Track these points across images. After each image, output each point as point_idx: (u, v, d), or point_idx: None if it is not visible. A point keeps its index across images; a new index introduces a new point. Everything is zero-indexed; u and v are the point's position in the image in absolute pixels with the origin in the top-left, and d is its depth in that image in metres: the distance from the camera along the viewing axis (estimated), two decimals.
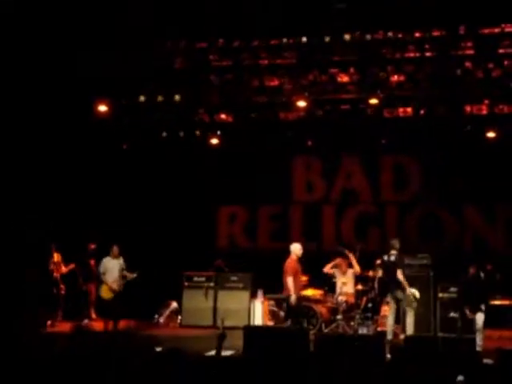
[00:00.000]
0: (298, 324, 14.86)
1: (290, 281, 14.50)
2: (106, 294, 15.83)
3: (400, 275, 14.45)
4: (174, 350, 8.92)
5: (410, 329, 14.46)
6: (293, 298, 14.52)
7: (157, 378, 8.26)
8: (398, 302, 14.58)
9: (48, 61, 15.70)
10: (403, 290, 14.46)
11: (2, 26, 14.34)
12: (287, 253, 14.92)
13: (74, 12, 14.76)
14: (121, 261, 16.00)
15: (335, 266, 16.12)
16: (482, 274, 14.39)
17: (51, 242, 17.36)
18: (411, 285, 14.71)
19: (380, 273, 15.02)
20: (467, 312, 13.93)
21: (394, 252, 14.69)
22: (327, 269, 16.07)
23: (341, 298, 15.84)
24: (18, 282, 16.01)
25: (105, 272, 15.89)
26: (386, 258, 14.80)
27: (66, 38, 15.24)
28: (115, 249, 15.98)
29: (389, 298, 14.71)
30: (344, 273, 16.30)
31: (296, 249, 14.86)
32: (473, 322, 13.97)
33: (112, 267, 15.91)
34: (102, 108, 17.46)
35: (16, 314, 14.85)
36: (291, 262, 14.72)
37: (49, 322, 16.58)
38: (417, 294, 14.72)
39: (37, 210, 17.19)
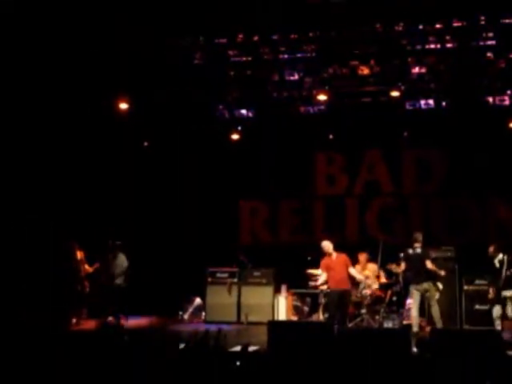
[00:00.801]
0: (331, 318, 14.91)
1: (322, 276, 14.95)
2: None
3: (430, 265, 14.54)
4: (198, 345, 8.91)
5: (438, 321, 14.41)
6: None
7: (181, 374, 8.25)
8: (422, 293, 14.54)
9: (68, 58, 15.72)
10: (433, 280, 14.51)
11: (24, 21, 14.36)
12: (309, 247, 15.03)
13: (95, 9, 14.75)
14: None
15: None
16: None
17: (74, 240, 17.42)
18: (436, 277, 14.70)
19: (403, 266, 14.91)
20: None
21: (418, 245, 14.66)
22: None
23: (365, 292, 15.78)
24: (42, 280, 16.05)
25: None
26: (411, 251, 14.77)
27: (86, 34, 15.24)
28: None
29: (413, 290, 14.64)
30: (364, 267, 16.30)
31: (324, 246, 14.94)
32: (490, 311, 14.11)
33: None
34: (123, 105, 17.50)
35: (41, 312, 14.93)
36: (322, 260, 14.92)
37: (74, 320, 16.64)
38: (440, 285, 14.70)
39: (58, 208, 17.23)
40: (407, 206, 18.37)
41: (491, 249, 14.50)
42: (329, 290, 15.01)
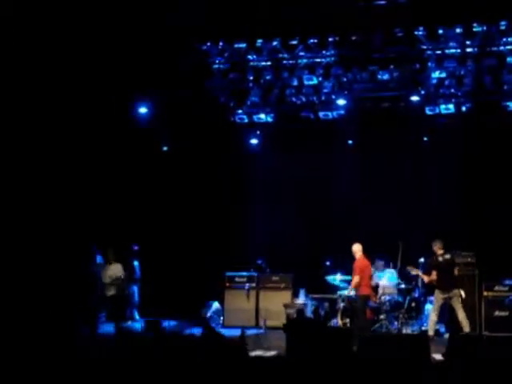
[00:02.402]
0: (353, 323, 15.01)
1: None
2: None
3: (457, 271, 14.80)
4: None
5: (466, 326, 14.35)
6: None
7: (201, 378, 8.25)
8: (447, 300, 14.49)
9: (86, 62, 15.80)
10: (458, 287, 14.59)
11: (44, 26, 14.45)
12: (327, 251, 15.14)
13: (114, 17, 14.83)
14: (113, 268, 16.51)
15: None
16: None
17: (94, 245, 17.49)
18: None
19: (434, 275, 14.80)
20: None
21: (442, 251, 14.74)
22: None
23: (384, 297, 15.73)
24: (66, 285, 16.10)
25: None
26: (440, 258, 14.78)
27: (104, 39, 15.31)
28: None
29: (439, 296, 14.60)
30: (383, 271, 16.30)
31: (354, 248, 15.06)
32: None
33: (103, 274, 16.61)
34: (143, 110, 17.58)
35: (71, 316, 15.01)
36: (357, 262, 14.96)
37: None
38: (463, 293, 14.67)
39: (81, 213, 17.29)
40: (429, 210, 18.21)
41: None
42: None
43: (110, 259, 16.46)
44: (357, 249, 15.03)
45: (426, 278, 15.01)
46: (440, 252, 14.75)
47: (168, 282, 17.18)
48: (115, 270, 16.46)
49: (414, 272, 15.28)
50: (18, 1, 13.63)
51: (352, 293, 15.10)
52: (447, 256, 14.76)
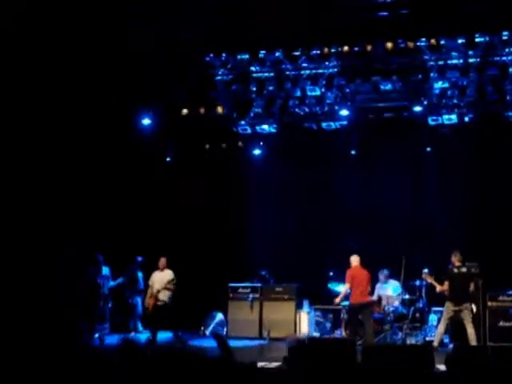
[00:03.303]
0: (352, 333, 15.22)
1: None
2: (147, 305, 16.09)
3: (472, 287, 14.73)
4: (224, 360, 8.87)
5: (473, 340, 14.29)
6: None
7: None
8: (456, 312, 14.47)
9: (92, 74, 15.87)
10: (470, 301, 14.61)
11: (48, 36, 14.51)
12: (331, 262, 15.24)
13: (117, 29, 14.89)
14: (165, 274, 16.07)
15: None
16: None
17: (100, 256, 17.49)
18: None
19: (446, 285, 14.79)
20: None
21: (459, 263, 14.74)
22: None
23: (387, 308, 15.74)
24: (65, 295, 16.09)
25: (151, 285, 16.09)
26: (455, 270, 14.74)
27: (108, 51, 15.38)
28: (162, 260, 16.12)
29: (449, 308, 14.58)
30: (386, 283, 16.32)
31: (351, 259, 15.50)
32: None
33: (155, 281, 16.06)
34: (146, 121, 17.65)
35: (62, 327, 14.97)
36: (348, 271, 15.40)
37: (97, 335, 16.69)
38: (474, 308, 14.67)
39: (85, 225, 17.33)
40: (432, 221, 18.19)
41: None
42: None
43: (162, 267, 16.30)
44: (352, 259, 15.45)
45: (438, 287, 14.97)
46: (457, 264, 14.71)
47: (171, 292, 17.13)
48: (166, 275, 16.26)
49: (429, 280, 15.22)
50: (20, 7, 13.65)
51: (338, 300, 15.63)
52: (463, 269, 14.73)
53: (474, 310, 14.79)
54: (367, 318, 15.27)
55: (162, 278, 16.11)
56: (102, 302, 17.30)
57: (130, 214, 18.70)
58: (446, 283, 14.71)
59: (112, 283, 17.60)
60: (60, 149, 16.60)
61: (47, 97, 15.71)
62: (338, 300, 15.71)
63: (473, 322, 14.51)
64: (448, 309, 14.60)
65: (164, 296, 16.02)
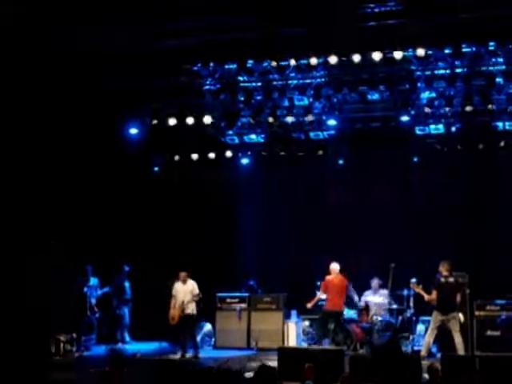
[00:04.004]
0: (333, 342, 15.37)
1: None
2: (170, 319, 15.91)
3: (459, 297, 14.68)
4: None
5: (461, 349, 14.30)
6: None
7: None
8: (444, 323, 14.49)
9: (79, 84, 15.85)
10: (458, 310, 14.61)
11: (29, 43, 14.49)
12: (319, 272, 15.34)
13: (103, 38, 14.86)
14: (189, 286, 16.06)
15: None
16: None
17: (88, 266, 17.44)
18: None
19: (434, 294, 14.80)
20: None
21: (447, 273, 14.73)
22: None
23: (375, 318, 15.74)
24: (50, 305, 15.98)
25: (175, 295, 16.04)
26: (443, 279, 14.74)
27: (96, 61, 15.36)
28: (182, 274, 16.07)
29: (437, 318, 14.58)
30: (376, 292, 16.32)
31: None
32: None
33: (179, 292, 16.03)
34: (133, 130, 17.63)
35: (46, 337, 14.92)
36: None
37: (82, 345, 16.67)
38: (462, 317, 14.68)
39: (72, 234, 17.28)
40: (420, 231, 18.19)
41: None
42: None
43: (183, 278, 16.20)
44: (331, 266, 15.98)
45: (426, 296, 14.97)
46: (445, 273, 14.73)
47: (159, 303, 17.08)
48: (190, 286, 16.16)
49: (416, 290, 15.23)
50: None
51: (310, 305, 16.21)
52: (451, 279, 14.74)
53: (462, 319, 14.80)
54: (339, 326, 15.76)
55: (185, 289, 16.00)
56: (88, 312, 17.27)
57: (117, 224, 18.64)
58: (434, 292, 14.72)
59: (98, 292, 17.57)
60: (46, 159, 16.54)
61: (31, 106, 15.66)
62: (309, 305, 16.17)
63: (460, 332, 14.53)
64: (436, 318, 14.61)
65: (191, 308, 15.97)
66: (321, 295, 16.03)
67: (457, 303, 14.67)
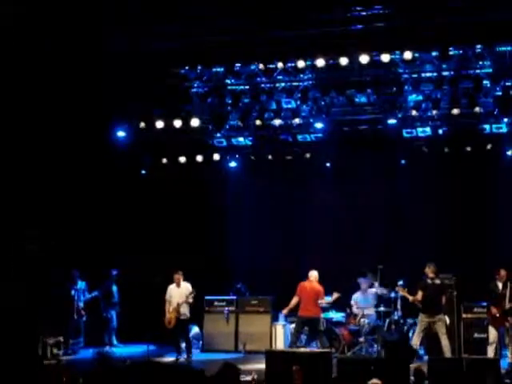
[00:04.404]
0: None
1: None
2: (166, 323, 16.02)
3: (444, 299, 14.82)
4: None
5: (447, 352, 14.39)
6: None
7: None
8: (430, 325, 14.53)
9: (67, 85, 15.82)
10: (444, 312, 14.70)
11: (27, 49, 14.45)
12: (306, 274, 15.81)
13: (91, 40, 14.85)
14: (183, 289, 16.16)
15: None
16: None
17: (75, 269, 17.40)
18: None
19: (419, 296, 14.83)
20: None
21: (433, 275, 14.81)
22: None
23: (363, 320, 15.75)
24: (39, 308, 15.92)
25: (169, 299, 16.15)
26: (429, 281, 14.82)
27: (83, 63, 15.33)
28: (176, 276, 16.17)
29: (423, 320, 14.65)
30: (365, 292, 16.35)
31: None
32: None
33: (173, 296, 16.12)
34: (121, 133, 17.60)
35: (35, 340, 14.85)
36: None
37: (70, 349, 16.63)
38: (447, 319, 14.72)
39: (60, 236, 17.24)
40: (407, 233, 18.22)
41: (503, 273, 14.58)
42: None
43: (177, 281, 16.21)
44: (310, 274, 15.92)
45: (409, 298, 14.99)
46: (431, 275, 14.78)
47: (146, 306, 17.06)
48: (185, 289, 16.19)
49: (401, 292, 15.26)
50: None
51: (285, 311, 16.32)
52: (437, 281, 14.82)
53: (448, 321, 14.83)
54: (315, 332, 15.79)
55: (180, 292, 16.16)
56: (76, 316, 17.23)
57: (105, 227, 18.59)
58: (420, 294, 14.76)
59: (87, 296, 17.54)
60: (34, 161, 16.50)
61: (19, 108, 15.62)
62: (285, 311, 16.24)
63: (447, 334, 14.57)
64: (422, 321, 14.67)
65: (185, 309, 16.10)
66: (294, 300, 15.88)
67: (442, 305, 14.72)
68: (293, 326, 16.55)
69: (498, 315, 14.31)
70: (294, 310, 16.11)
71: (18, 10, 13.24)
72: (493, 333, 14.45)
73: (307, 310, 15.63)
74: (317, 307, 15.66)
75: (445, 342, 14.38)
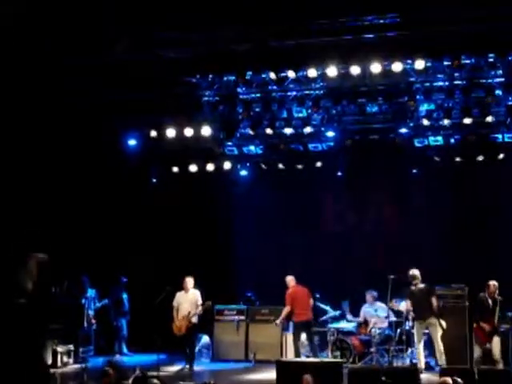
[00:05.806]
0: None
1: None
2: (175, 330, 15.90)
3: (435, 301, 14.65)
4: None
5: (440, 357, 14.38)
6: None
7: None
8: (427, 329, 14.59)
9: (77, 95, 15.85)
10: (436, 316, 14.53)
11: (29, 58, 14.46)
12: (317, 283, 16.06)
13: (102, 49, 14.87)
14: (191, 296, 16.04)
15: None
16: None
17: (85, 276, 17.40)
18: (445, 315, 14.73)
19: (409, 304, 14.87)
20: None
21: (417, 281, 14.86)
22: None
23: (374, 330, 15.68)
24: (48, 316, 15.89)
25: (177, 306, 16.02)
26: (413, 287, 14.87)
27: (94, 72, 15.35)
28: (187, 280, 16.09)
29: (417, 326, 14.70)
30: (372, 305, 16.29)
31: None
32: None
33: (182, 303, 16.01)
34: (132, 142, 17.63)
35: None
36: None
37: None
38: (444, 323, 14.63)
39: (70, 245, 17.23)
40: (419, 242, 18.13)
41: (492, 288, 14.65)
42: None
43: (186, 287, 16.14)
44: (288, 280, 16.19)
45: (403, 310, 15.12)
46: (415, 281, 14.85)
47: (156, 315, 17.03)
48: (194, 296, 16.05)
49: (394, 307, 15.31)
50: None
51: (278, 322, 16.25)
52: (421, 285, 14.86)
53: (444, 325, 14.71)
54: (311, 335, 15.92)
55: (189, 299, 16.02)
56: (86, 324, 17.21)
57: (115, 235, 18.59)
58: (409, 302, 14.89)
59: (97, 304, 17.53)
60: (43, 169, 16.51)
61: (28, 110, 15.64)
62: (278, 322, 16.21)
63: (442, 339, 14.52)
64: (416, 327, 14.76)
65: (195, 318, 16.00)
66: (288, 309, 15.93)
67: (433, 309, 14.62)
68: (303, 335, 16.48)
69: (487, 330, 14.39)
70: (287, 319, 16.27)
71: (17, 10, 13.20)
72: (477, 351, 14.54)
73: (305, 314, 15.87)
74: (310, 310, 16.01)
75: (439, 348, 14.44)
